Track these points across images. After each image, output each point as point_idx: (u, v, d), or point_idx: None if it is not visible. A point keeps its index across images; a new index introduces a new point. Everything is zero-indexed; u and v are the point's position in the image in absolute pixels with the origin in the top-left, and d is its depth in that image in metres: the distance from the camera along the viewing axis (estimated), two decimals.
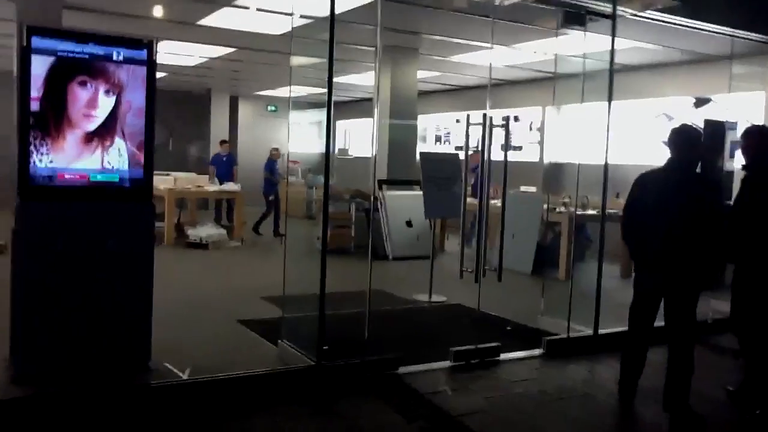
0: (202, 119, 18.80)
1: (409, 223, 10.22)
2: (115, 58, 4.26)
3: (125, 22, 9.09)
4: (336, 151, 13.28)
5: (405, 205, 10.17)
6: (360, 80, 13.67)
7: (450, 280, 7.23)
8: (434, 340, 5.76)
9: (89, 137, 4.25)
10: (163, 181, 11.56)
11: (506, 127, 5.88)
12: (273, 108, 19.49)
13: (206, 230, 10.49)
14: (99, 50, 4.23)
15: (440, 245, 10.96)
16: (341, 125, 20.43)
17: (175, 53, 11.81)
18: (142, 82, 4.36)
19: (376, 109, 5.11)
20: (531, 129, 13.55)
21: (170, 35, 10.27)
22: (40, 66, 4.08)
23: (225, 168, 13.40)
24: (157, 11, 8.72)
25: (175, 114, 19.32)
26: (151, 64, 4.40)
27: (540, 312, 6.27)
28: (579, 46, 5.98)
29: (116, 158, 4.34)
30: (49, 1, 8.26)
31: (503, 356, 5.30)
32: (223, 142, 14.51)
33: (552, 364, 5.31)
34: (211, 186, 11.74)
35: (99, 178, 4.31)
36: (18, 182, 4.16)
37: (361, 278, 5.06)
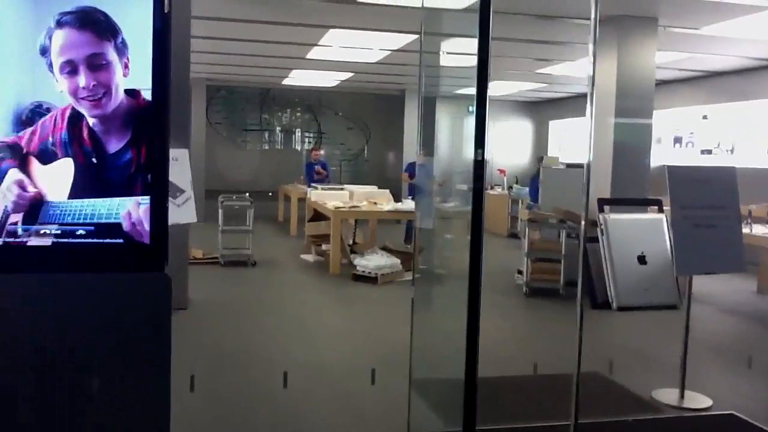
0: (397, 124, 17.14)
1: (642, 259, 7.40)
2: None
3: (276, 8, 7.42)
4: (543, 159, 10.65)
5: (636, 233, 7.35)
6: (576, 70, 10.97)
7: (716, 356, 4.51)
8: None
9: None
10: (332, 197, 9.86)
11: None
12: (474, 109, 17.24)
13: (376, 260, 8.48)
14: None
15: (689, 288, 7.94)
16: (555, 126, 17.64)
17: (349, 46, 10.03)
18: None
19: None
20: None
21: (335, 21, 8.45)
22: None
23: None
24: None
25: (369, 119, 17.93)
26: (161, 19, 2.38)
27: None
28: None
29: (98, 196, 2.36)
30: None
31: None
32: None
33: None
34: (387, 204, 9.75)
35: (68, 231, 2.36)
36: None
37: (570, 342, 2.85)
